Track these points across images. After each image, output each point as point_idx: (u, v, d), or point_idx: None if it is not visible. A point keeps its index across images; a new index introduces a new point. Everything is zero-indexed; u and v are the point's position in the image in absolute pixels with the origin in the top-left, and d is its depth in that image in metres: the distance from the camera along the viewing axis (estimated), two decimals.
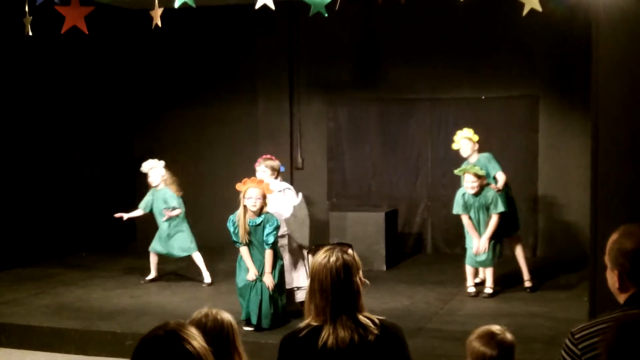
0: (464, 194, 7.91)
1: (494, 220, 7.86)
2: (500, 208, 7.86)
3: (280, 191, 7.49)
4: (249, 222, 6.81)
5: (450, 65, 10.44)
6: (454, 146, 8.37)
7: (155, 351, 2.08)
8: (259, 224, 6.82)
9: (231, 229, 6.90)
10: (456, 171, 8.04)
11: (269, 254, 6.83)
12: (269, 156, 7.74)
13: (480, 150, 8.29)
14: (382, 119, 10.96)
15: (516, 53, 10.20)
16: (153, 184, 8.66)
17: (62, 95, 10.56)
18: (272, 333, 6.58)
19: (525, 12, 5.31)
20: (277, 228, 6.87)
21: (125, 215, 8.74)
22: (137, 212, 8.78)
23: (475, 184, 7.78)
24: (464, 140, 8.26)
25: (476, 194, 7.83)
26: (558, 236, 10.13)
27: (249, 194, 6.74)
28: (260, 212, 6.82)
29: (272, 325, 6.81)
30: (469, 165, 8.00)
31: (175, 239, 8.66)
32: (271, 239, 6.80)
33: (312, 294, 2.92)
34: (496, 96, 10.42)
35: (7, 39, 8.95)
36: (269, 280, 6.79)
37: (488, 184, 7.96)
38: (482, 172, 7.86)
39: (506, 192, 8.20)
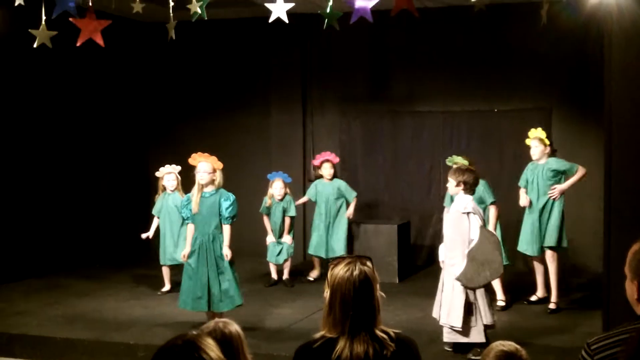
0: None
1: (492, 212, 7.81)
2: (492, 198, 7.81)
3: (466, 212, 6.22)
4: (203, 194, 6.98)
5: (462, 77, 10.45)
6: (527, 142, 8.17)
7: None
8: (209, 197, 6.96)
9: (184, 203, 7.15)
10: (447, 160, 8.02)
11: (227, 229, 6.95)
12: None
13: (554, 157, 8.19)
14: (395, 131, 10.97)
15: (528, 65, 10.18)
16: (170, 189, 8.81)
17: (78, 107, 10.63)
18: (285, 344, 6.58)
19: (542, 23, 5.34)
20: (235, 202, 6.96)
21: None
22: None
23: None
24: (535, 141, 8.04)
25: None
26: (571, 247, 10.04)
27: (197, 168, 7.01)
28: (209, 184, 6.98)
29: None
30: (459, 157, 7.90)
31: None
32: (228, 214, 6.93)
33: (331, 306, 2.89)
34: (509, 108, 10.41)
35: (22, 51, 9.01)
36: (227, 252, 6.92)
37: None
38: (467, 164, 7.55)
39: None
